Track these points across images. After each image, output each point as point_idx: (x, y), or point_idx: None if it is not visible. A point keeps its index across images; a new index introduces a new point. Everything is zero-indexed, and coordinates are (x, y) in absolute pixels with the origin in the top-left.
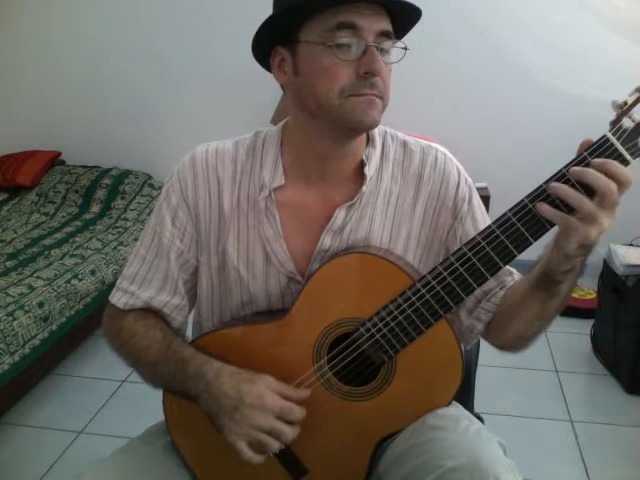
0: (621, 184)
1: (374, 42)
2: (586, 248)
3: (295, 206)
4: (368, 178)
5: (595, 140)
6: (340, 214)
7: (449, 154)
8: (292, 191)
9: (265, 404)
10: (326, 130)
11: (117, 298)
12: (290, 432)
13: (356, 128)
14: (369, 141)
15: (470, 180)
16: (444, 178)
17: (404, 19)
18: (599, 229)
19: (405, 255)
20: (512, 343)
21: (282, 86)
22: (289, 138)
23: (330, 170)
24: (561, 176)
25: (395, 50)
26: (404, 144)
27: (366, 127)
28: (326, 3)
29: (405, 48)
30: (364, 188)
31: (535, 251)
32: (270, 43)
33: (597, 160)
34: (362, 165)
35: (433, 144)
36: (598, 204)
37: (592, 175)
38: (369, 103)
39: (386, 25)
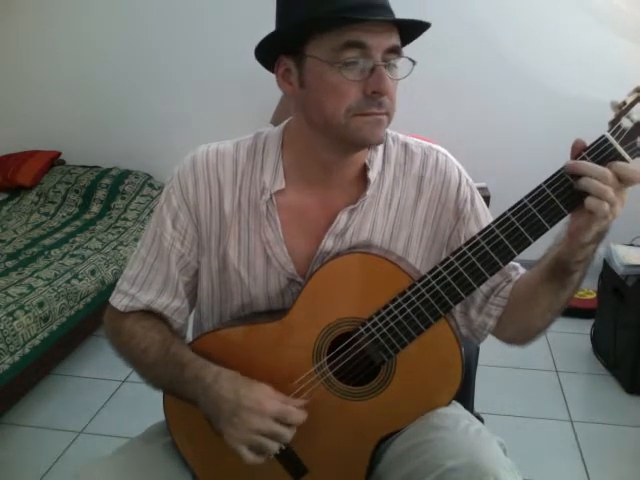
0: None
1: (382, 60)
2: (601, 235)
3: (296, 209)
4: (372, 183)
5: (594, 140)
6: (342, 217)
7: (450, 155)
8: (293, 194)
9: (263, 408)
10: (330, 144)
11: (117, 301)
12: (289, 433)
13: (362, 145)
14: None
15: (471, 181)
16: (445, 179)
17: (413, 31)
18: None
19: (406, 256)
20: (522, 336)
21: None
22: (291, 141)
23: (333, 177)
24: (560, 176)
25: (403, 61)
26: (405, 146)
27: (372, 145)
28: (335, 23)
29: (413, 61)
30: (368, 192)
31: (534, 251)
32: (274, 52)
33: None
34: (365, 169)
35: (434, 145)
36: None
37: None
38: (376, 122)
39: (395, 40)
